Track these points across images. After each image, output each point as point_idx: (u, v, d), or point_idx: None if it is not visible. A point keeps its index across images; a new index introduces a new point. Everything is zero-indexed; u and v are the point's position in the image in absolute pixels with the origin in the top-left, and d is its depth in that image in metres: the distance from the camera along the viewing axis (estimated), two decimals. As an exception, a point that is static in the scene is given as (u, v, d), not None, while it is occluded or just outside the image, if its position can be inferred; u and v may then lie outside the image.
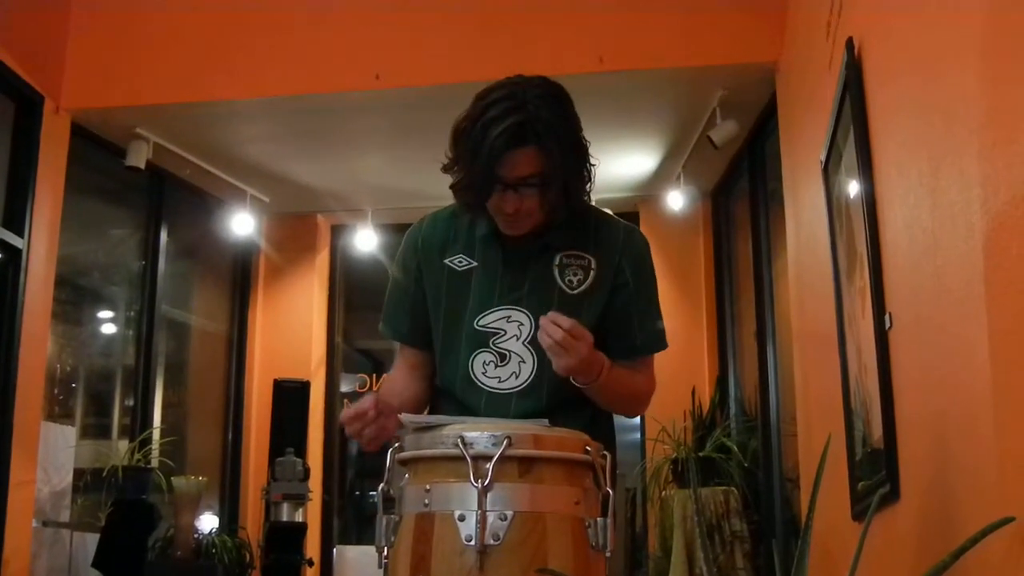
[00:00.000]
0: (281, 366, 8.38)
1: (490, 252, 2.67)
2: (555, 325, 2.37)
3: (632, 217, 7.97)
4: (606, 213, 2.79)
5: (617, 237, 2.69)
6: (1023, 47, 1.90)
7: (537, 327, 2.53)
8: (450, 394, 2.68)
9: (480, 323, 2.63)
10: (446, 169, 2.60)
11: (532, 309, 2.58)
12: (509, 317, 2.61)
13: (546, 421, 2.28)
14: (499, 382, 2.60)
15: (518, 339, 2.60)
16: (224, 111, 6.70)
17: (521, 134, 2.44)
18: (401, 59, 6.24)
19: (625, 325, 2.62)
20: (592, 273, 2.63)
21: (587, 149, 2.59)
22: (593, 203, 2.78)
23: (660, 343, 2.73)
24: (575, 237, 2.65)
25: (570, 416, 2.49)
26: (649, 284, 2.72)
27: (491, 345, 2.61)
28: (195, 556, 7.18)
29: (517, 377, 2.59)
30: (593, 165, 2.62)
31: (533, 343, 2.58)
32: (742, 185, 7.22)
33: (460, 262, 2.69)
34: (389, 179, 7.86)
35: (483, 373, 2.61)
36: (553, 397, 2.57)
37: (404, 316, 2.78)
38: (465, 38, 6.09)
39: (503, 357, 2.60)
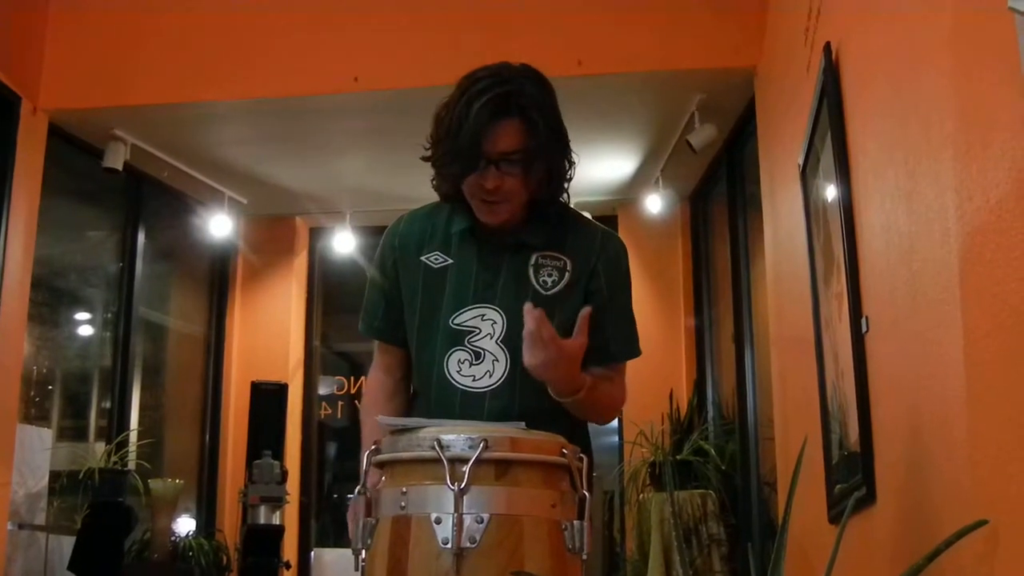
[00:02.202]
0: (259, 368, 8.36)
1: (466, 249, 2.67)
2: (532, 317, 2.38)
3: (610, 221, 7.98)
4: (584, 216, 2.79)
5: (594, 241, 2.69)
6: (993, 52, 1.92)
7: (510, 325, 2.55)
8: (425, 392, 2.68)
9: (455, 321, 2.63)
10: (427, 156, 2.61)
11: (505, 307, 2.58)
12: (484, 315, 2.61)
13: (523, 424, 2.27)
14: (473, 380, 2.60)
15: (492, 338, 2.60)
16: (202, 113, 6.68)
17: (505, 105, 2.46)
18: (379, 62, 6.24)
19: (600, 332, 2.61)
20: (567, 275, 2.63)
21: (568, 138, 2.60)
22: (571, 207, 2.78)
23: (634, 351, 2.73)
24: (552, 237, 2.65)
25: (546, 419, 2.50)
26: (624, 290, 2.72)
27: (466, 343, 2.61)
28: (172, 559, 7.16)
29: (491, 376, 2.59)
30: (574, 163, 2.64)
31: (506, 342, 2.58)
32: (720, 189, 7.24)
33: (436, 259, 2.69)
34: (368, 181, 7.86)
35: (457, 372, 2.61)
36: (526, 397, 2.57)
37: (380, 314, 2.78)
38: (443, 41, 6.09)
39: (477, 355, 2.60)
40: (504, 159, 2.49)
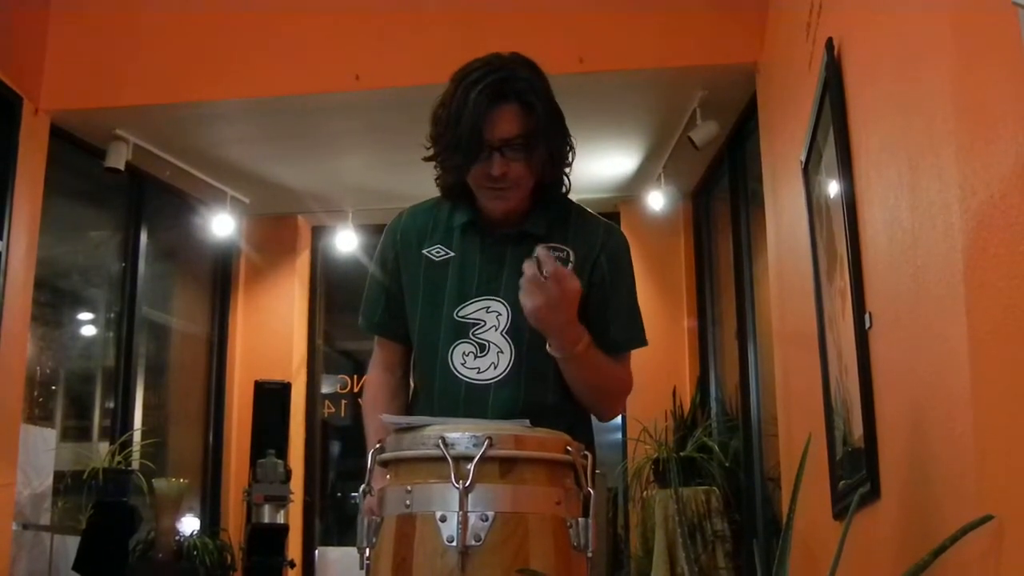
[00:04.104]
0: (262, 367, 8.36)
1: (468, 242, 2.68)
2: (534, 261, 2.40)
3: (613, 218, 7.97)
4: (586, 209, 2.80)
5: (596, 233, 2.70)
6: (995, 47, 1.91)
7: (514, 317, 2.55)
8: (428, 386, 2.67)
9: (459, 314, 2.63)
10: (429, 156, 2.63)
11: (509, 299, 2.58)
12: (488, 307, 2.62)
13: (527, 421, 2.27)
14: (478, 373, 2.59)
15: (496, 329, 2.60)
16: (204, 112, 6.68)
17: (502, 91, 2.49)
18: (381, 60, 6.24)
19: (603, 322, 2.63)
20: (569, 265, 2.63)
21: (564, 119, 2.62)
22: (574, 201, 2.79)
23: (639, 340, 2.73)
24: (554, 228, 2.66)
25: (551, 411, 2.52)
26: (627, 281, 2.72)
27: (471, 336, 2.61)
28: (176, 558, 7.16)
29: (495, 368, 2.59)
30: (572, 147, 2.66)
31: (511, 333, 2.59)
32: (723, 185, 7.24)
33: (437, 252, 2.70)
34: (369, 180, 7.86)
35: (462, 364, 2.61)
36: (530, 388, 2.58)
37: (380, 309, 2.79)
38: (444, 39, 6.08)
39: (482, 348, 2.60)
40: (506, 145, 2.50)
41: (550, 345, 2.52)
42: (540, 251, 2.43)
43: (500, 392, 2.58)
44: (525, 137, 2.50)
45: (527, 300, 2.43)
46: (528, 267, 2.41)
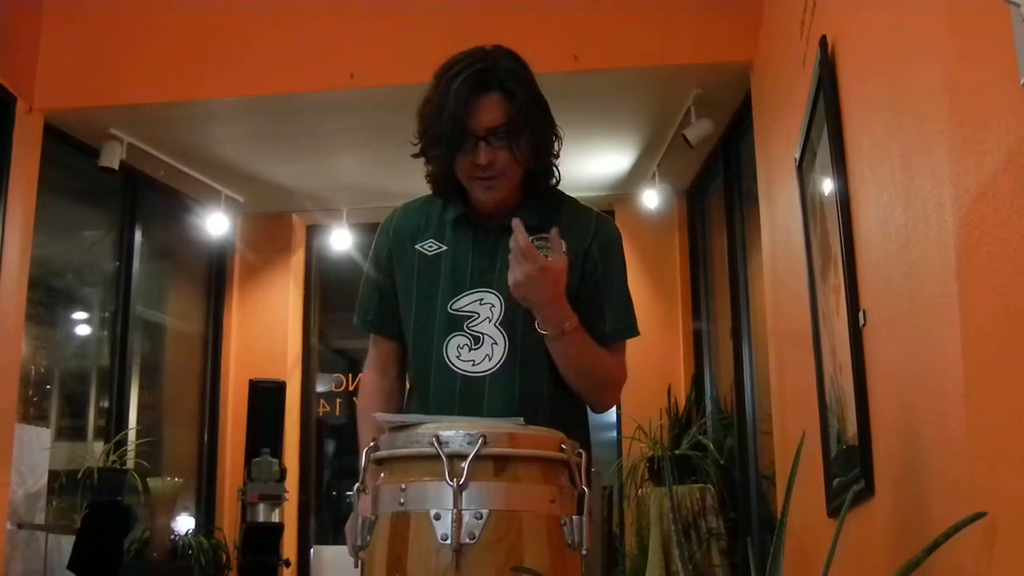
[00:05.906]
0: (257, 366, 8.36)
1: (460, 235, 2.70)
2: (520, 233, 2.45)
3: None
4: (578, 201, 2.81)
5: (589, 223, 2.72)
6: (988, 45, 1.92)
7: (507, 308, 2.57)
8: (423, 381, 2.68)
9: (454, 307, 2.64)
10: (416, 153, 2.64)
11: (503, 290, 2.59)
12: (482, 300, 2.63)
13: (521, 419, 2.27)
14: (473, 365, 2.60)
15: (490, 321, 2.61)
16: (198, 111, 6.68)
17: (484, 80, 2.52)
18: (375, 58, 6.23)
19: (595, 312, 2.63)
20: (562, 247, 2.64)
21: (549, 108, 2.64)
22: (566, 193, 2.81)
23: (631, 330, 2.74)
24: (546, 219, 2.66)
25: (547, 403, 2.54)
26: (619, 271, 2.73)
27: (465, 328, 2.62)
28: (171, 557, 7.16)
29: (490, 359, 2.60)
30: (559, 136, 2.67)
31: (504, 324, 2.60)
32: (717, 184, 7.24)
33: (430, 247, 2.71)
34: (364, 178, 7.85)
35: (457, 357, 2.61)
36: (526, 379, 2.58)
37: (374, 307, 2.80)
38: (439, 37, 6.05)
39: (477, 340, 2.61)
40: (491, 134, 2.52)
41: (538, 324, 2.53)
42: (515, 223, 2.46)
43: (496, 384, 2.58)
44: (509, 125, 2.52)
45: (510, 274, 2.48)
46: (519, 238, 2.45)
